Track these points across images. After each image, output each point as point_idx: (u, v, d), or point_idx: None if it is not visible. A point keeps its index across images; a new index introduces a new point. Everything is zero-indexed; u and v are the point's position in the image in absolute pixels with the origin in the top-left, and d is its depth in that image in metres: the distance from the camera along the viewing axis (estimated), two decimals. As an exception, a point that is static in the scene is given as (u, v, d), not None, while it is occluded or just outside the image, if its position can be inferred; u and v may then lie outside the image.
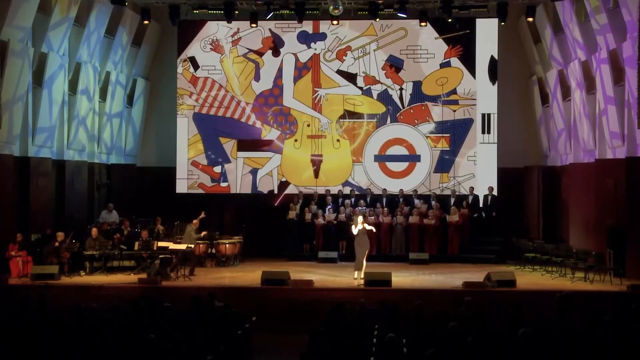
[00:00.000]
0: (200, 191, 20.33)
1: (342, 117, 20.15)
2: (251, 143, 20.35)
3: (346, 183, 20.05)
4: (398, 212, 18.59)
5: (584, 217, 17.56)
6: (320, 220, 18.73)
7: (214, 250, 17.75)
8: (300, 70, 20.30)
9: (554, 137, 19.63)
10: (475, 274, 15.50)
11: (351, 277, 15.37)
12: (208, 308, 11.19)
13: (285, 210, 19.22)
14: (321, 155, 20.18)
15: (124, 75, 20.52)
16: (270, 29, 20.28)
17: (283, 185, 20.18)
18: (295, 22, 19.09)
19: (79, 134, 18.61)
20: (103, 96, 19.69)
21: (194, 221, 16.46)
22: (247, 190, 20.17)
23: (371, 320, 10.28)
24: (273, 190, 20.18)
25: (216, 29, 20.35)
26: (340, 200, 19.32)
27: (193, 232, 16.23)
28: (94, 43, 18.74)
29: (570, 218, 18.46)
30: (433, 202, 18.90)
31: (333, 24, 19.17)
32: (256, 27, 19.47)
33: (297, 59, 20.31)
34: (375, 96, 20.10)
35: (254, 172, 20.31)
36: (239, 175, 20.28)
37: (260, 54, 20.40)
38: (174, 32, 20.36)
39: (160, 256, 15.55)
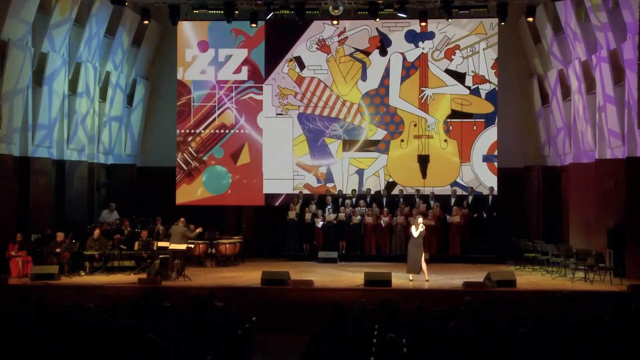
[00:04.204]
0: (306, 191, 20.00)
1: (450, 116, 19.79)
2: (357, 143, 20.11)
3: (454, 183, 19.59)
4: (398, 212, 18.58)
5: (584, 217, 17.56)
6: (319, 223, 18.69)
7: (214, 250, 17.75)
8: (408, 69, 19.96)
9: (553, 136, 19.62)
10: (475, 274, 15.51)
11: (351, 276, 15.43)
12: (208, 308, 11.18)
13: (285, 210, 19.21)
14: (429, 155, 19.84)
15: (124, 75, 20.51)
16: (377, 28, 19.94)
17: (390, 185, 19.83)
18: (403, 21, 18.77)
19: (79, 134, 18.60)
20: (103, 96, 19.69)
21: (183, 220, 16.29)
22: None
23: (371, 320, 10.27)
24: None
25: (322, 28, 19.96)
26: (341, 200, 19.31)
27: (188, 231, 16.16)
28: (94, 43, 18.74)
29: (570, 218, 18.45)
30: (432, 202, 18.90)
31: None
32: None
33: (404, 58, 19.97)
34: (483, 95, 19.74)
35: (360, 172, 20.01)
36: (345, 175, 20.06)
37: (367, 53, 20.10)
38: (174, 32, 20.30)
39: (160, 256, 15.58)
